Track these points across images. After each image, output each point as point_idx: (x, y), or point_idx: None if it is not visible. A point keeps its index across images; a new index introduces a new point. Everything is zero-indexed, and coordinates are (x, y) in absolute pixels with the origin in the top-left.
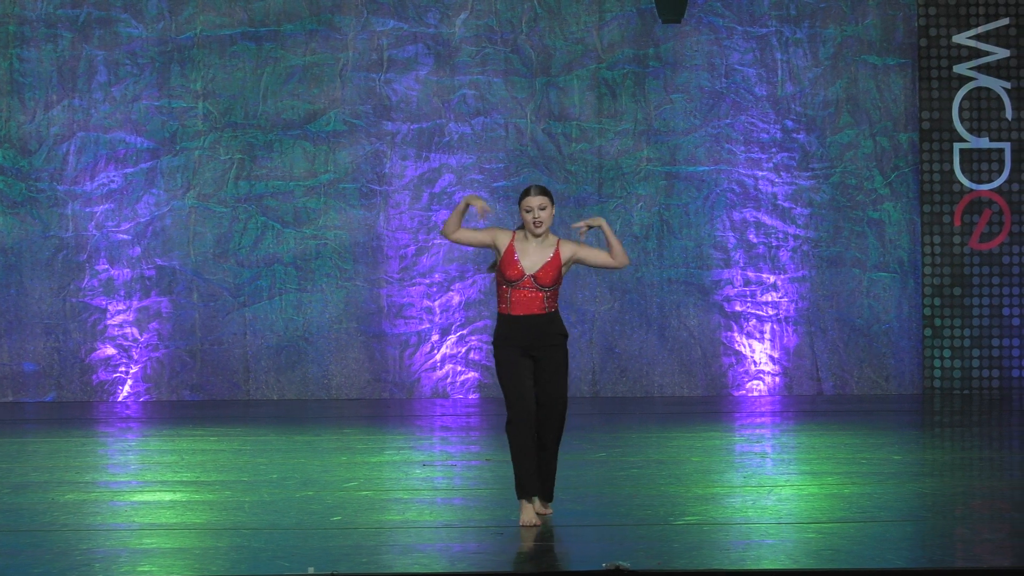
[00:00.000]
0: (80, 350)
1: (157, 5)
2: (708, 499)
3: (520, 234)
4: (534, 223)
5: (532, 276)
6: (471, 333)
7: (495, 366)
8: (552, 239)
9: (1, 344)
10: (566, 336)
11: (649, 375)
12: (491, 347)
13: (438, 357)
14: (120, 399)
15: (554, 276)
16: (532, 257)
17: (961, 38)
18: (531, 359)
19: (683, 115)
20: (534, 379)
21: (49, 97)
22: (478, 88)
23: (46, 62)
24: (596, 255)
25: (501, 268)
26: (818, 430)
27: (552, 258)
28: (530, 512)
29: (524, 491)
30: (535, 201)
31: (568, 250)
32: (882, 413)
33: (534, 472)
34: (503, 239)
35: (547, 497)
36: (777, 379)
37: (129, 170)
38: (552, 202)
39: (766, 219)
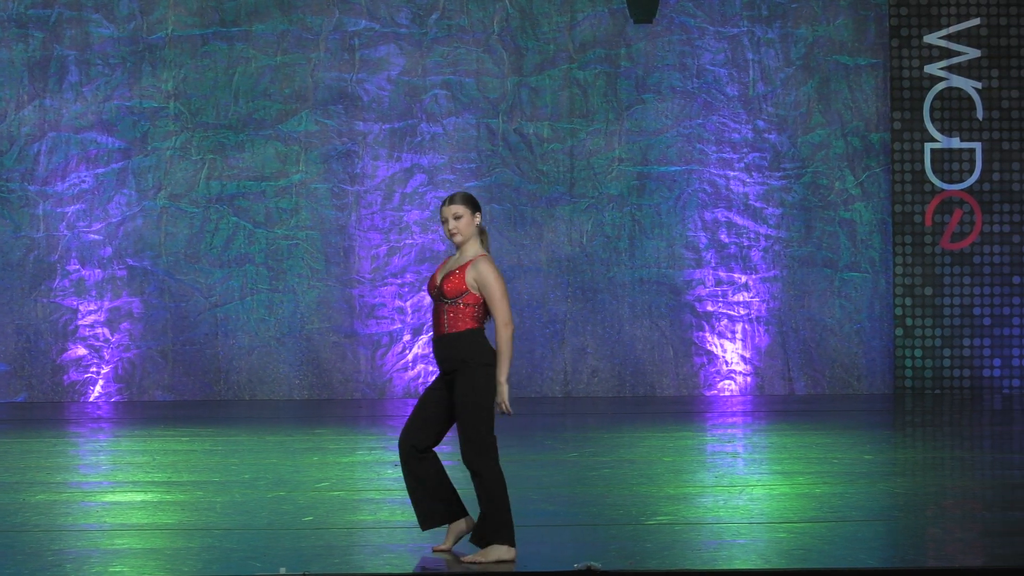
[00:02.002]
0: (51, 350)
1: (128, 5)
2: (680, 499)
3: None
4: (450, 233)
5: (439, 287)
6: None
7: None
8: (472, 253)
9: None
10: (468, 362)
11: (621, 375)
12: None
13: (410, 357)
14: (91, 399)
15: (455, 289)
16: (447, 268)
17: (932, 38)
18: (445, 384)
19: (655, 115)
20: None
21: (20, 97)
22: (450, 88)
23: (17, 62)
24: (492, 302)
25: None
26: (789, 430)
27: (459, 269)
28: (447, 539)
29: (422, 523)
30: (449, 211)
31: (472, 274)
32: (853, 413)
33: (428, 503)
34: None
35: (480, 539)
36: (749, 379)
37: (100, 170)
38: (472, 210)
39: (738, 219)
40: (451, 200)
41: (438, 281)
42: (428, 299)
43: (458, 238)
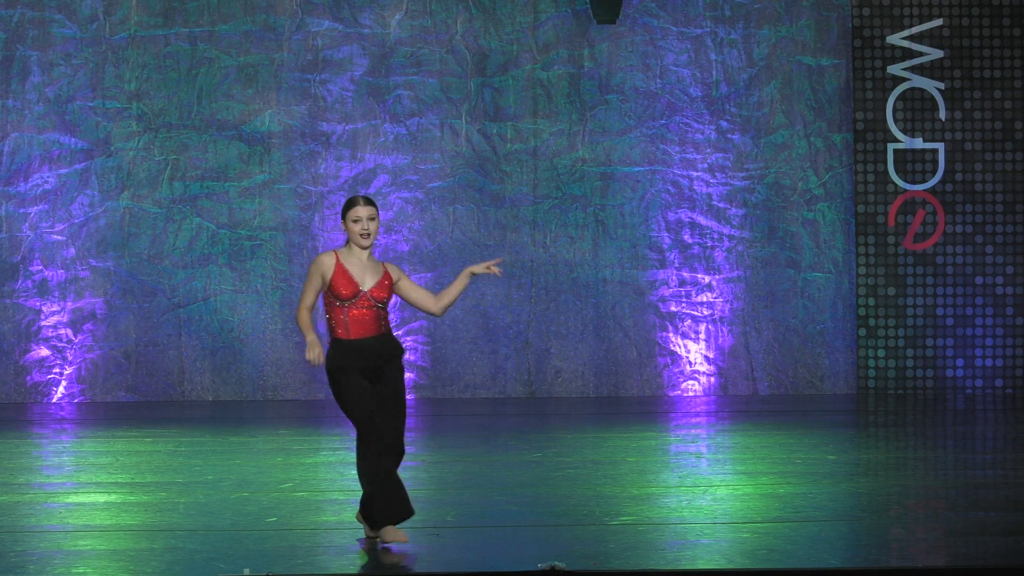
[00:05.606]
0: (14, 351)
1: (91, 5)
2: (643, 499)
3: (344, 252)
4: (362, 234)
5: (368, 293)
6: (407, 334)
7: (340, 394)
8: (377, 261)
9: None
10: (403, 352)
11: (584, 376)
12: (331, 374)
13: None
14: (54, 400)
15: (388, 293)
16: (364, 273)
17: (895, 39)
18: (370, 381)
19: (618, 116)
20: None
21: None
22: (413, 89)
23: None
24: (419, 294)
25: (333, 288)
26: (753, 430)
27: (384, 275)
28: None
29: (377, 519)
30: (364, 212)
31: (395, 273)
32: (817, 413)
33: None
34: (328, 263)
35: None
36: (712, 379)
37: (63, 171)
38: (377, 214)
39: (701, 219)
40: (363, 201)
41: (361, 287)
42: (338, 302)
43: (369, 240)
